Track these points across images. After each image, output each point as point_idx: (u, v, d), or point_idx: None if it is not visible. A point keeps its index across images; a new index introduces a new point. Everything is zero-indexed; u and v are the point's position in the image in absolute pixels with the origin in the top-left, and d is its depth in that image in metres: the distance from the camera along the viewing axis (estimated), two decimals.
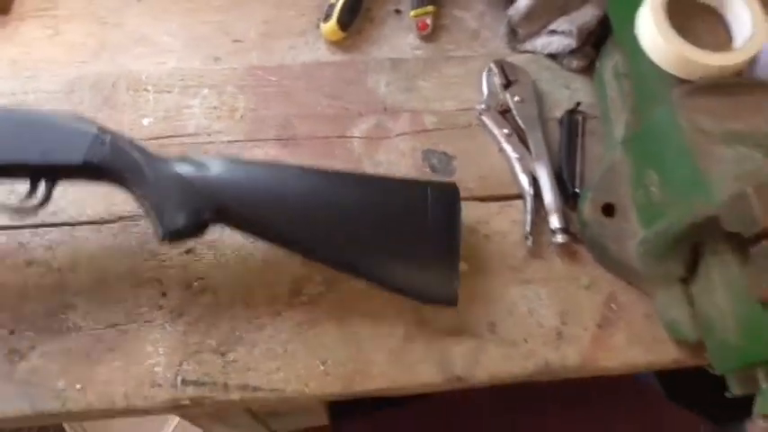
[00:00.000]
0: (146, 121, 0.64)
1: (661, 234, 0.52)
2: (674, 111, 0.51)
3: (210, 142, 0.63)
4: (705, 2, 0.56)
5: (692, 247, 0.52)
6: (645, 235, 0.55)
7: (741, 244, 0.42)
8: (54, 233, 0.59)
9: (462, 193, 0.57)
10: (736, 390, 0.51)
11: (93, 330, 0.55)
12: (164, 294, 0.57)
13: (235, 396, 0.54)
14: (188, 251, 0.58)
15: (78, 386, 0.53)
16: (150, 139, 0.63)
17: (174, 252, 0.58)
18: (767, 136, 0.47)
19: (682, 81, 0.53)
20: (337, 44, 0.70)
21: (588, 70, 0.68)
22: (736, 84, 0.51)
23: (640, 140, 0.57)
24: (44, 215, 0.56)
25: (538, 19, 0.68)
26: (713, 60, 0.51)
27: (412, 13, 0.71)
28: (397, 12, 0.73)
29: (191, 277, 0.58)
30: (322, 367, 0.55)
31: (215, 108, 0.65)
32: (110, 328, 0.55)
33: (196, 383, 0.54)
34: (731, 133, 0.48)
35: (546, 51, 0.69)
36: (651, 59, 0.54)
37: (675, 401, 0.95)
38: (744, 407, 0.50)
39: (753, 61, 0.53)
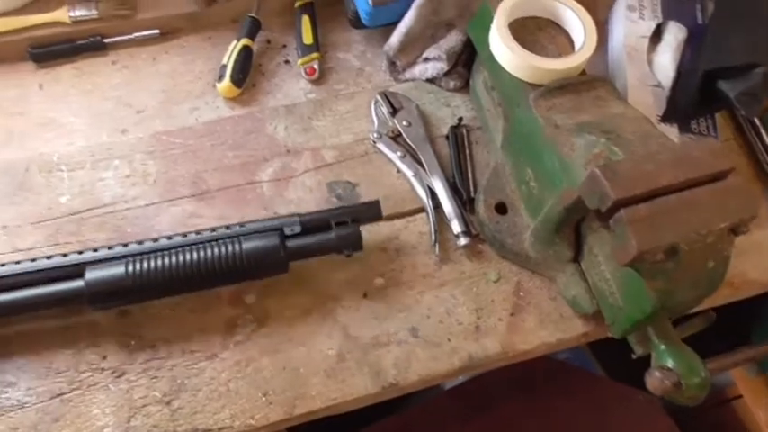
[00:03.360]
0: (63, 199, 0.67)
1: (544, 222, 0.59)
2: (532, 112, 0.58)
3: (128, 209, 0.67)
4: (544, 17, 0.64)
5: (574, 229, 0.58)
6: (533, 225, 0.62)
7: (605, 217, 0.48)
8: None
9: None
10: (638, 350, 0.58)
11: (37, 404, 0.57)
12: (104, 357, 0.60)
13: None
14: (120, 313, 0.61)
15: None
16: (70, 215, 0.66)
17: (106, 316, 0.61)
18: (607, 123, 0.55)
19: (535, 86, 0.60)
20: (235, 100, 0.75)
21: (465, 88, 0.76)
22: (579, 82, 0.59)
23: (513, 142, 0.65)
24: None
25: (411, 50, 0.75)
26: (556, 65, 0.59)
27: (299, 61, 0.77)
28: (286, 62, 0.79)
29: (127, 337, 0.61)
30: (264, 398, 0.59)
31: (128, 176, 0.69)
32: (54, 399, 0.57)
33: None
34: (580, 125, 0.56)
35: (424, 77, 0.76)
36: (507, 71, 0.62)
37: (617, 379, 1.02)
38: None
39: (599, 61, 0.61)
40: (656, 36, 0.73)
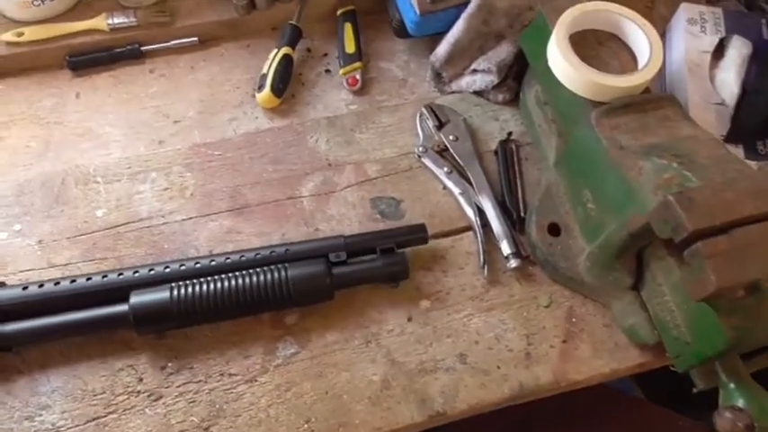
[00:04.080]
0: (99, 213, 0.65)
1: (604, 247, 0.56)
2: (594, 132, 0.55)
3: (165, 223, 0.65)
4: (606, 30, 0.61)
5: (636, 255, 0.55)
6: (590, 249, 0.59)
7: (678, 247, 0.45)
8: None
9: None
10: (700, 385, 0.54)
11: (72, 429, 0.55)
12: (140, 380, 0.57)
13: None
14: (157, 335, 0.59)
15: None
16: (106, 229, 0.64)
17: (142, 338, 0.59)
18: (677, 146, 0.52)
19: (596, 103, 0.57)
20: (274, 111, 0.72)
21: (514, 101, 0.73)
22: (644, 101, 0.56)
23: (570, 161, 0.61)
24: None
25: (459, 62, 0.72)
26: (620, 83, 0.55)
27: (341, 71, 0.74)
28: (327, 72, 0.76)
29: (164, 358, 0.58)
30: (306, 425, 0.56)
31: (165, 189, 0.67)
32: (89, 423, 0.55)
33: None
34: (648, 147, 0.52)
35: (471, 89, 0.73)
36: (566, 87, 0.58)
37: (656, 403, 0.98)
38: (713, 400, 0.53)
39: (657, 77, 0.58)
40: (719, 51, 0.70)
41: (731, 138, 0.65)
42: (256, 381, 0.58)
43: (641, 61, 0.59)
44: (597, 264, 0.58)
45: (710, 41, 0.70)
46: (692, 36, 0.70)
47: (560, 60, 0.57)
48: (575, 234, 0.61)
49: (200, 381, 0.58)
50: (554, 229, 0.62)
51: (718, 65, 0.70)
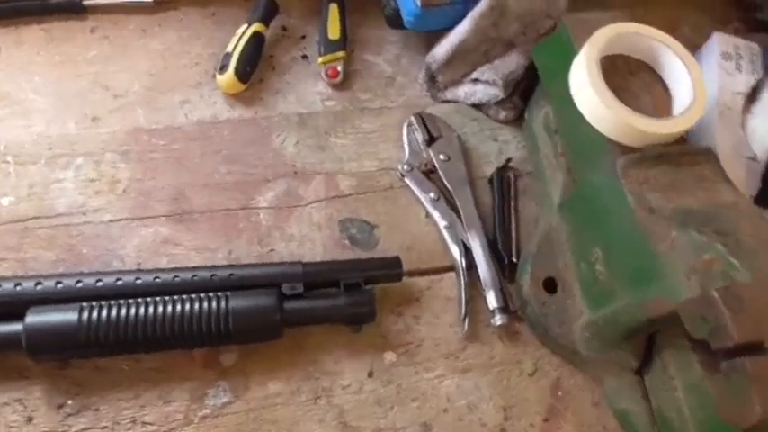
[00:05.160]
0: (5, 201, 0.53)
1: (611, 322, 0.47)
2: (618, 183, 0.45)
3: (87, 222, 0.53)
4: (640, 59, 0.51)
5: (647, 337, 0.46)
6: (591, 318, 0.50)
7: (710, 351, 0.37)
8: None
9: None
10: None
11: None
12: (29, 419, 0.46)
13: None
14: (60, 363, 0.48)
15: None
16: (11, 222, 0.52)
17: (40, 366, 0.47)
18: (718, 217, 0.42)
19: (622, 147, 0.47)
20: (237, 97, 0.61)
21: (517, 121, 0.63)
22: (679, 153, 0.46)
23: (579, 208, 0.52)
24: None
25: (459, 66, 0.62)
26: (658, 128, 0.46)
27: (320, 59, 0.63)
28: (304, 57, 0.65)
29: (63, 394, 0.47)
30: None
31: (92, 181, 0.55)
32: None
33: None
34: (682, 213, 0.43)
35: (469, 101, 0.63)
36: (586, 120, 0.49)
37: None
38: None
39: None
40: (753, 95, 0.61)
41: (761, 200, 0.56)
42: None
43: (679, 102, 0.49)
44: (598, 337, 0.49)
45: (746, 82, 0.61)
46: (725, 74, 0.61)
47: (587, 90, 0.47)
48: (574, 293, 0.52)
49: (104, 427, 0.47)
50: (550, 285, 0.53)
51: (751, 110, 0.61)
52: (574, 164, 0.53)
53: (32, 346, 0.45)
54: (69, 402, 0.47)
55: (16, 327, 0.45)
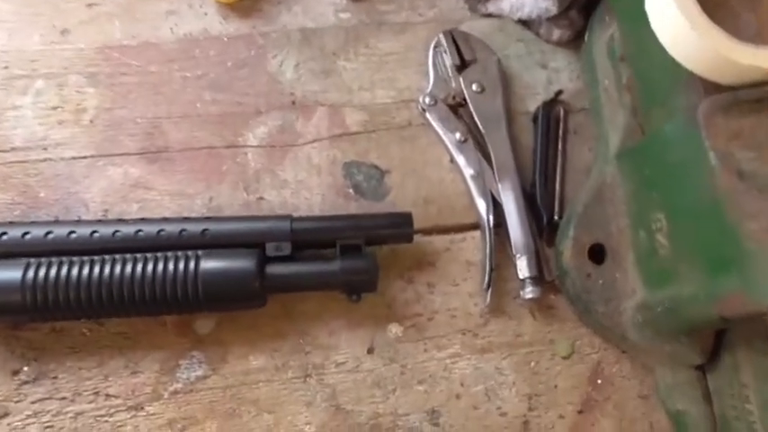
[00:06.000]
0: None
1: (670, 310, 0.37)
2: (698, 134, 0.34)
3: (47, 159, 0.45)
4: None
5: (715, 333, 0.36)
6: (646, 299, 0.40)
7: None
8: None
9: None
10: None
11: None
12: None
13: None
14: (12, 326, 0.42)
15: None
16: None
17: None
18: None
19: (708, 85, 0.35)
20: (232, 8, 0.50)
21: (574, 44, 0.50)
22: None
23: (644, 160, 0.41)
24: None
25: None
26: (758, 60, 0.33)
27: None
28: None
29: (18, 359, 0.41)
30: None
31: (54, 109, 0.46)
32: None
33: None
34: None
35: (516, 16, 0.50)
36: (665, 48, 0.36)
37: None
38: None
39: None
40: None
41: None
42: (143, 409, 0.41)
43: None
44: (653, 325, 0.39)
45: None
46: None
47: (668, 6, 0.35)
48: (626, 267, 0.42)
49: (63, 398, 0.41)
50: (597, 254, 0.43)
51: None
52: (642, 103, 0.41)
53: None
54: (25, 369, 0.41)
55: None
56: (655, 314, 0.39)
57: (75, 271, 0.39)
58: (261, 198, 0.46)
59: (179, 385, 0.42)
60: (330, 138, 0.47)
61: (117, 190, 0.45)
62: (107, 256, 0.39)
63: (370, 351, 0.43)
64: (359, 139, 0.48)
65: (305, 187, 0.46)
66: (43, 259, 0.39)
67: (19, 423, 0.40)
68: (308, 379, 0.42)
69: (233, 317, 0.43)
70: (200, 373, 0.42)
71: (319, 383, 0.42)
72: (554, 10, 0.48)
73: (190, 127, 0.47)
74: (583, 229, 0.43)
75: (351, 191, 0.46)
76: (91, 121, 0.46)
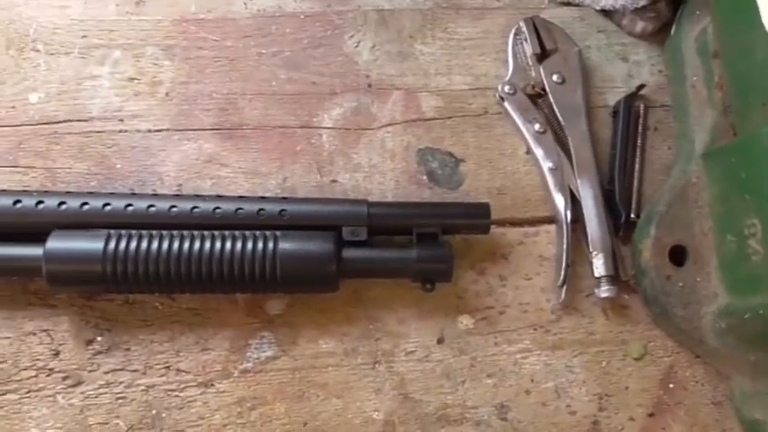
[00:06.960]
0: (34, 97, 0.45)
1: (759, 317, 0.36)
2: None
3: (123, 131, 0.45)
4: None
5: None
6: (730, 304, 0.39)
7: None
8: None
9: None
10: None
11: None
12: (56, 353, 0.41)
13: None
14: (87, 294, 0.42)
15: None
16: (41, 123, 0.45)
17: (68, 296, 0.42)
18: None
19: None
20: None
21: (658, 36, 0.49)
22: None
23: (736, 162, 0.39)
24: None
25: None
26: None
27: None
28: None
29: (92, 329, 0.42)
30: None
31: (131, 80, 0.46)
32: None
33: None
34: None
35: (599, 6, 0.49)
36: None
37: None
38: None
39: None
40: None
41: None
42: (213, 386, 0.41)
43: None
44: (736, 332, 0.38)
45: None
46: None
47: None
48: (708, 270, 0.41)
49: (136, 370, 0.41)
50: (678, 255, 0.42)
51: None
52: (737, 103, 0.40)
53: (53, 276, 0.39)
54: (99, 339, 0.42)
55: (37, 251, 0.39)
56: (740, 321, 0.38)
57: (155, 245, 0.39)
58: (334, 181, 0.45)
59: (249, 365, 0.42)
60: (405, 123, 0.47)
61: (191, 165, 0.45)
62: (186, 232, 0.39)
63: (440, 341, 0.43)
64: (434, 125, 0.47)
65: (378, 171, 0.45)
66: (124, 231, 0.39)
67: (92, 392, 0.41)
68: (377, 366, 0.42)
69: (304, 299, 0.43)
70: (269, 353, 0.42)
71: (388, 371, 0.42)
72: (643, 1, 0.46)
73: (264, 105, 0.46)
74: (665, 228, 0.42)
75: (425, 178, 0.46)
76: (167, 94, 0.46)
